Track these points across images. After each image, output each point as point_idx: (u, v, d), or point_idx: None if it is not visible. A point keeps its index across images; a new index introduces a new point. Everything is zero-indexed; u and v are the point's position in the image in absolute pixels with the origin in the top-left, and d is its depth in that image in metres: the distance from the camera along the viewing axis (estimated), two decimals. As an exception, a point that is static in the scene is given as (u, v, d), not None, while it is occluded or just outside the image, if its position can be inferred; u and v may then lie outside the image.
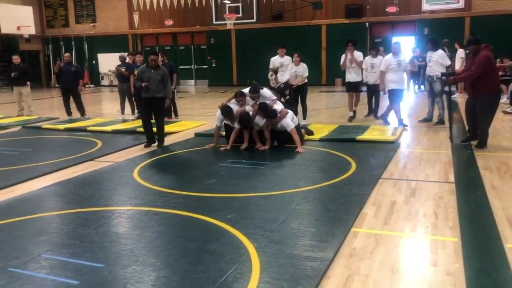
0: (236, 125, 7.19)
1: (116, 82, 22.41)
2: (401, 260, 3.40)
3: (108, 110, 14.51)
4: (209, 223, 4.13)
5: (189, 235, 3.90)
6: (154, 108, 7.61)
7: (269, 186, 5.26)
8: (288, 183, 5.39)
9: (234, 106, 7.28)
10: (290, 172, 5.92)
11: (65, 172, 6.21)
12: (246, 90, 7.51)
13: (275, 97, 7.65)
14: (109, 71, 22.95)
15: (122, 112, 11.45)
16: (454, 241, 3.65)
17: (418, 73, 14.71)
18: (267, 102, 7.22)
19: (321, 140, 7.69)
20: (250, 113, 7.14)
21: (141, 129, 8.16)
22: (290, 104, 8.43)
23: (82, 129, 9.51)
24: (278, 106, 7.33)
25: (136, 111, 11.00)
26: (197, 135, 8.62)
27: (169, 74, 10.31)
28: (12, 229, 4.16)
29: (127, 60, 11.29)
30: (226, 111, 7.22)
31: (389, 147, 7.11)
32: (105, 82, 24.01)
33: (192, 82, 23.09)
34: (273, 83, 10.33)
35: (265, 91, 7.65)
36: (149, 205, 4.67)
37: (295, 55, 9.74)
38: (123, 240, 3.87)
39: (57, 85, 23.62)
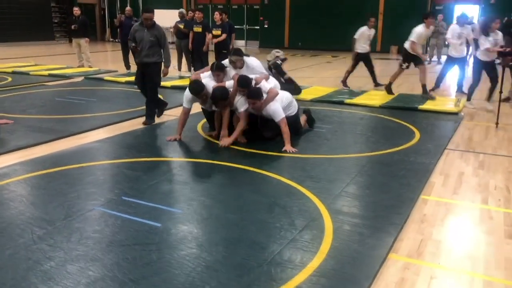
0: (214, 108, 5.49)
1: (169, 39, 22.95)
2: (475, 230, 3.40)
3: (163, 66, 14.69)
4: (277, 180, 4.22)
5: (259, 189, 4.03)
6: (147, 74, 6.25)
7: (332, 149, 5.29)
8: (351, 147, 5.41)
9: (210, 82, 5.41)
10: (352, 137, 5.91)
11: (131, 122, 6.44)
12: (227, 61, 5.73)
13: (264, 70, 5.94)
14: (163, 27, 23.09)
15: (179, 68, 11.62)
16: (529, 216, 3.60)
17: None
18: (252, 76, 5.43)
19: (381, 107, 7.58)
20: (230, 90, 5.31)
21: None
22: (290, 84, 6.99)
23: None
24: (269, 84, 5.52)
25: (192, 68, 11.13)
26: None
27: (228, 33, 10.48)
28: (88, 173, 4.41)
29: (186, 16, 11.33)
30: (194, 87, 5.23)
31: (453, 118, 6.94)
32: (157, 38, 24.23)
33: (242, 42, 22.94)
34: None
35: (252, 60, 5.80)
36: (216, 159, 4.81)
37: (373, 19, 9.79)
38: (197, 189, 4.04)
39: (111, 39, 24.28)
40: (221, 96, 5.15)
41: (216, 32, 10.41)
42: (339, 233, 3.19)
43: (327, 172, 4.48)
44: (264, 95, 5.19)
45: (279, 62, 8.11)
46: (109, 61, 15.49)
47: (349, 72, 9.92)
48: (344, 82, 9.82)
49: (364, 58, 9.85)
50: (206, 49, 10.57)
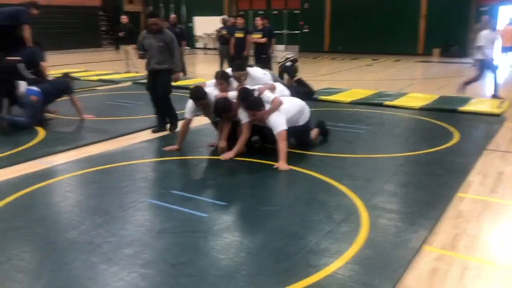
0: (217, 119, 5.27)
1: (210, 45, 23.55)
2: (511, 227, 3.46)
3: (205, 71, 15.13)
4: (316, 178, 4.40)
5: (298, 186, 4.23)
6: (157, 82, 6.02)
7: (370, 149, 5.41)
8: (389, 147, 5.51)
9: (213, 91, 5.20)
10: (390, 138, 6.01)
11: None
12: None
13: (270, 81, 5.56)
14: (204, 34, 23.72)
15: (221, 73, 11.94)
16: None
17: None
18: (254, 87, 5.17)
19: (421, 109, 7.60)
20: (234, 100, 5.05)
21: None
22: (302, 87, 6.53)
23: (187, 88, 10.12)
24: (273, 94, 5.09)
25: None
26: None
27: (268, 37, 10.74)
28: (138, 170, 4.74)
29: (228, 22, 11.67)
30: (194, 93, 5.07)
31: (494, 119, 6.88)
32: (199, 44, 24.87)
33: (282, 47, 23.18)
34: None
35: (256, 71, 5.57)
36: (257, 157, 5.02)
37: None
38: (239, 184, 4.29)
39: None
40: (223, 108, 4.92)
41: (257, 35, 10.69)
42: (375, 227, 3.34)
43: (364, 171, 4.62)
44: (268, 106, 4.89)
45: (288, 64, 7.72)
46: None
47: (472, 81, 8.90)
48: (464, 86, 8.92)
49: (487, 65, 8.68)
50: (247, 54, 10.86)
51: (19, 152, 5.22)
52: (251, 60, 10.92)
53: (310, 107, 5.46)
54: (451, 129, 6.27)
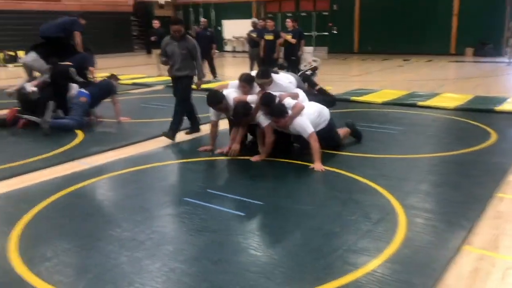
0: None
1: (238, 48, 23.72)
2: (553, 227, 3.39)
3: (235, 73, 15.25)
4: (350, 178, 4.41)
5: (333, 186, 4.25)
6: (178, 88, 6.10)
7: (404, 149, 5.37)
8: (423, 148, 5.45)
9: (231, 94, 5.18)
10: (424, 138, 5.94)
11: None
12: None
13: (295, 89, 5.42)
14: (233, 37, 23.92)
15: (251, 75, 12.04)
16: None
17: None
18: (276, 93, 5.06)
19: (455, 109, 7.48)
20: (253, 105, 5.01)
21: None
22: (323, 95, 6.41)
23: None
24: (294, 101, 5.04)
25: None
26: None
27: (298, 40, 10.77)
28: (174, 170, 4.86)
29: (258, 25, 11.76)
30: (209, 98, 5.07)
31: (533, 119, 6.73)
32: (228, 48, 25.07)
33: (311, 49, 23.11)
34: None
35: (281, 78, 5.37)
36: (291, 158, 5.05)
37: None
38: (275, 184, 4.34)
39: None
40: (243, 113, 4.94)
41: (288, 36, 10.75)
42: (412, 226, 3.33)
43: (399, 171, 4.60)
44: (289, 112, 4.83)
45: (308, 73, 7.49)
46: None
47: None
48: None
49: None
50: (277, 56, 10.91)
51: (61, 153, 5.41)
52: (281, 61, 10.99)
53: (341, 108, 5.46)
54: (488, 129, 6.16)
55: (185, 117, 6.25)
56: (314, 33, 22.95)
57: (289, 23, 10.85)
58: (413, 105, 7.91)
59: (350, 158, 5.09)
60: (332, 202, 3.83)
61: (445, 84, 10.79)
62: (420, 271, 2.76)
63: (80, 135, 6.19)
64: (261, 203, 3.81)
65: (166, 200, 3.92)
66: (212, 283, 2.66)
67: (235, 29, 23.54)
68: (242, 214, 3.59)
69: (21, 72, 7.88)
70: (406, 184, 4.21)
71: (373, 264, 2.83)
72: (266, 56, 11.05)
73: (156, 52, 13.31)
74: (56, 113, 6.66)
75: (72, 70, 6.95)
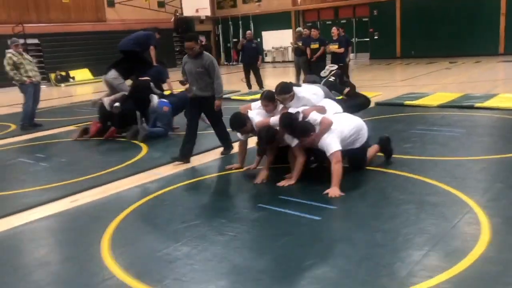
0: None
1: (278, 58, 23.90)
2: None
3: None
4: (421, 181, 4.37)
5: (405, 189, 4.22)
6: (203, 110, 5.75)
7: (470, 151, 5.27)
8: (491, 149, 5.36)
9: (256, 117, 4.81)
10: (490, 140, 5.85)
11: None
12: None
13: (323, 100, 4.93)
14: (272, 47, 24.13)
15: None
16: None
17: None
18: (299, 109, 4.64)
19: (514, 109, 7.29)
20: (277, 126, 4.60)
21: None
22: (354, 99, 5.92)
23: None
24: (319, 115, 4.51)
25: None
26: (377, 104, 8.79)
27: (345, 46, 10.79)
28: (243, 178, 4.94)
29: (303, 34, 11.85)
30: (233, 123, 4.82)
31: None
32: (268, 58, 25.29)
33: (352, 55, 23.00)
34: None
35: (303, 90, 4.86)
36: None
37: None
38: (347, 189, 4.31)
39: (225, 63, 25.87)
40: (267, 138, 4.55)
41: (334, 46, 10.78)
42: (495, 225, 3.28)
43: (470, 172, 4.53)
44: (317, 128, 4.42)
45: (331, 79, 6.99)
46: (229, 83, 16.57)
47: None
48: None
49: None
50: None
51: (131, 164, 5.68)
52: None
53: (395, 113, 5.42)
54: (556, 128, 5.97)
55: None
56: (355, 40, 22.82)
57: (334, 31, 10.90)
58: (471, 107, 7.73)
59: (418, 161, 5.03)
60: (407, 205, 3.80)
61: (498, 86, 10.50)
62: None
63: (144, 149, 6.41)
64: (334, 207, 3.84)
65: (240, 207, 4.04)
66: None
67: (275, 40, 23.76)
68: (318, 218, 3.63)
69: (72, 91, 8.39)
70: (481, 184, 4.16)
71: (463, 264, 2.80)
72: (313, 64, 11.11)
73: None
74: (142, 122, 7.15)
75: (151, 83, 7.39)
